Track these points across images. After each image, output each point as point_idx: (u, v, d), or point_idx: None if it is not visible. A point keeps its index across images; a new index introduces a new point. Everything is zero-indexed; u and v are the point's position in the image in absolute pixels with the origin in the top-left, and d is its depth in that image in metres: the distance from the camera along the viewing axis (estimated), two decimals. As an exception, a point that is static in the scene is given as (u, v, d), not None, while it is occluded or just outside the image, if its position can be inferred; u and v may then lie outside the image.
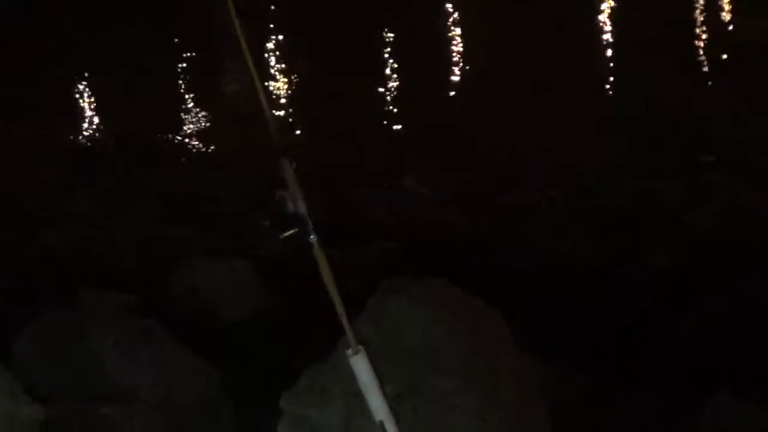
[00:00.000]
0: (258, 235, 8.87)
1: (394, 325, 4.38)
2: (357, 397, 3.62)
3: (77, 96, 16.57)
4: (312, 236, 3.54)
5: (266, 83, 12.91)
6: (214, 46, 16.23)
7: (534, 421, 4.60)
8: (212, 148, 16.25)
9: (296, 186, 3.55)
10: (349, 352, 3.48)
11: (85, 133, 16.44)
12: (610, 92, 18.43)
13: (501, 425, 4.38)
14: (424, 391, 4.24)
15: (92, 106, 16.38)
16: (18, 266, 8.71)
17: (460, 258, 8.58)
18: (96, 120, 16.61)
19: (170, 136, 16.25)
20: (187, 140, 16.41)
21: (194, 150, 15.99)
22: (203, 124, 16.76)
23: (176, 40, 17.21)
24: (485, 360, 4.48)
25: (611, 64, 18.50)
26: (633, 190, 12.16)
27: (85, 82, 16.49)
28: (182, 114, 16.68)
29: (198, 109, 16.88)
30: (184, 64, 17.13)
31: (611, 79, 18.48)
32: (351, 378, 3.51)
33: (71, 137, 16.48)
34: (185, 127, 16.57)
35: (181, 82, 17.20)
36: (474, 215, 11.07)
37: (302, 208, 3.58)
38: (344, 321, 3.49)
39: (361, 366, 3.47)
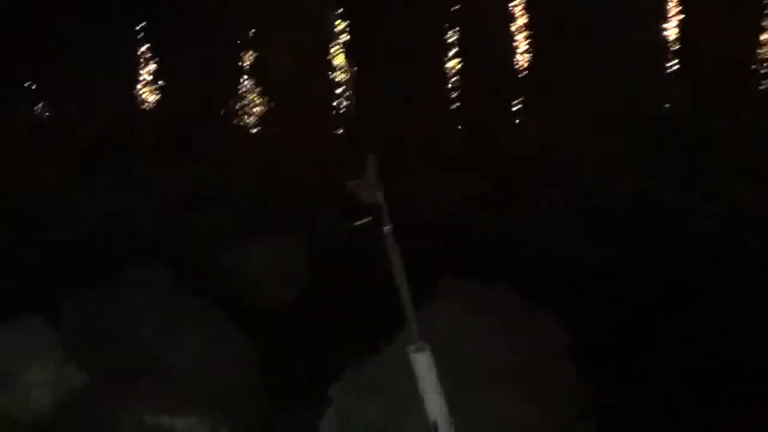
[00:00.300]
0: (310, 220, 8.57)
1: (449, 327, 4.35)
2: (407, 394, 3.58)
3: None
4: (387, 226, 3.60)
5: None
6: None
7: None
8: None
9: (375, 174, 3.57)
10: (412, 348, 3.46)
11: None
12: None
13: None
14: (476, 396, 4.21)
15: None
16: (64, 236, 8.64)
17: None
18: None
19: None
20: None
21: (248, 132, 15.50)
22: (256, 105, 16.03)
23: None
24: (539, 368, 4.47)
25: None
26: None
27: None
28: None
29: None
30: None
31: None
32: (403, 374, 3.47)
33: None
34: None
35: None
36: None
37: (380, 197, 3.62)
38: (409, 315, 3.47)
39: (422, 364, 3.44)
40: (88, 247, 8.06)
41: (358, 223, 3.62)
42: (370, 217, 3.65)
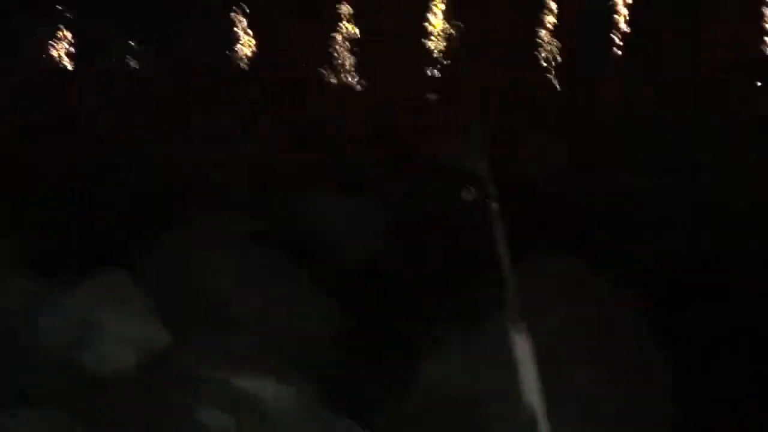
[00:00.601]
0: (394, 181, 8.34)
1: (540, 307, 4.24)
2: (501, 369, 3.49)
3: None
4: (492, 202, 3.47)
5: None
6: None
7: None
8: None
9: (482, 146, 3.44)
10: (511, 327, 3.36)
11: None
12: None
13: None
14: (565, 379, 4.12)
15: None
16: (134, 183, 8.56)
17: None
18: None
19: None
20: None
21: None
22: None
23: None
24: (618, 343, 4.35)
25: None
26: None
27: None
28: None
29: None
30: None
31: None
32: (499, 349, 3.38)
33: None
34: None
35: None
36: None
37: (484, 170, 3.48)
38: (511, 294, 3.36)
39: (521, 345, 3.36)
40: (172, 199, 7.98)
41: (463, 194, 3.43)
42: (474, 190, 3.49)
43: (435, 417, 4.43)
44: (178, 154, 8.93)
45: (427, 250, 6.85)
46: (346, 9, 10.91)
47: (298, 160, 8.77)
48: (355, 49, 10.87)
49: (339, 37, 10.91)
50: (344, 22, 11.05)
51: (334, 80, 10.96)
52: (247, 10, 11.07)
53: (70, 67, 11.30)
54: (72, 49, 11.22)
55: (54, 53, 11.22)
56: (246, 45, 11.18)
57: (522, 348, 3.39)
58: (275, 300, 5.69)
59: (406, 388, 4.67)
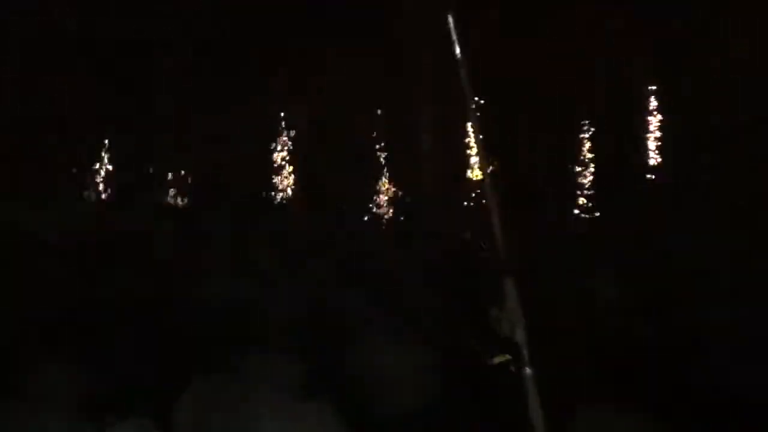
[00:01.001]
0: (445, 325, 8.18)
1: None
2: None
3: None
4: (527, 369, 3.27)
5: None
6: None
7: None
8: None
9: (518, 309, 3.27)
10: None
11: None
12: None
13: None
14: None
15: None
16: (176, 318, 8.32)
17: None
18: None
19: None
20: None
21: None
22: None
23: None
24: None
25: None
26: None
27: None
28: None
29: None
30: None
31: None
32: None
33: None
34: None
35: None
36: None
37: (520, 336, 3.31)
38: None
39: None
40: (209, 337, 7.81)
41: (495, 360, 3.25)
42: (508, 356, 3.30)
43: None
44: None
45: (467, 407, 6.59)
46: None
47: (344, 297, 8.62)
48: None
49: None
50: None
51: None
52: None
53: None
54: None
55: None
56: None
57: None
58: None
59: None
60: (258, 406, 5.50)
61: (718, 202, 12.40)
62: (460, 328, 7.31)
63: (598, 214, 16.11)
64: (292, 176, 15.04)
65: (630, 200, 15.99)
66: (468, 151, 11.78)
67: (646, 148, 17.03)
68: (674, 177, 16.19)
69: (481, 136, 3.54)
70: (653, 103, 17.58)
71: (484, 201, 3.45)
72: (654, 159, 17.14)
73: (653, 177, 17.12)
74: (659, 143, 17.04)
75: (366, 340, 7.46)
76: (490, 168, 3.56)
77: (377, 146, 15.92)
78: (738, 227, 10.55)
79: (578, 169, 16.77)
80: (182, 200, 15.15)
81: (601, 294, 8.69)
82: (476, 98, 3.38)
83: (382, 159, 15.61)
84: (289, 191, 14.23)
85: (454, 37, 3.26)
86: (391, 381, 6.94)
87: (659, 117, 17.40)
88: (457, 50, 3.25)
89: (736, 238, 10.29)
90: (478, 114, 3.47)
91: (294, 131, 15.39)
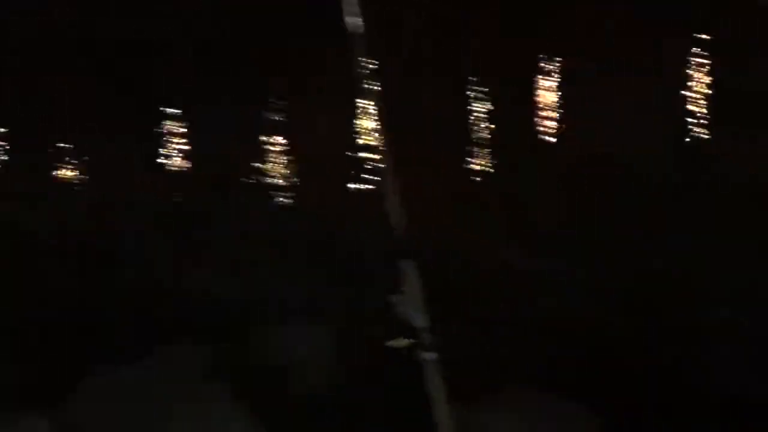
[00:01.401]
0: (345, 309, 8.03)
1: None
2: None
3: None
4: (428, 354, 3.17)
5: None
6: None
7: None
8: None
9: (418, 294, 3.16)
10: None
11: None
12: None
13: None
14: None
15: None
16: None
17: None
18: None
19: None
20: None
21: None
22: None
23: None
24: None
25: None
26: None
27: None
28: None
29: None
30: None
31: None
32: None
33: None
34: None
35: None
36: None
37: (421, 321, 3.21)
38: None
39: None
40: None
41: (391, 343, 3.16)
42: (409, 341, 3.21)
43: None
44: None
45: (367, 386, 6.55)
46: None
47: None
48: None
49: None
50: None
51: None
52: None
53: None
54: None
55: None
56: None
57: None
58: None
59: None
60: (161, 392, 5.44)
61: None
62: (359, 313, 7.25)
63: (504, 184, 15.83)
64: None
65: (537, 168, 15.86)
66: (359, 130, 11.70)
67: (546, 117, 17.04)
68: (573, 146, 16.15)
69: (376, 114, 3.45)
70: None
71: (379, 180, 3.35)
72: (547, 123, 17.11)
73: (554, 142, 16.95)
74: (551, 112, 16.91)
75: (267, 324, 7.40)
76: (387, 146, 3.46)
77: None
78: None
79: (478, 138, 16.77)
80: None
81: (520, 270, 8.54)
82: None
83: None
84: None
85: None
86: (293, 364, 6.91)
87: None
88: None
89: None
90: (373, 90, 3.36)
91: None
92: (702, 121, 9.68)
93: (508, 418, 4.54)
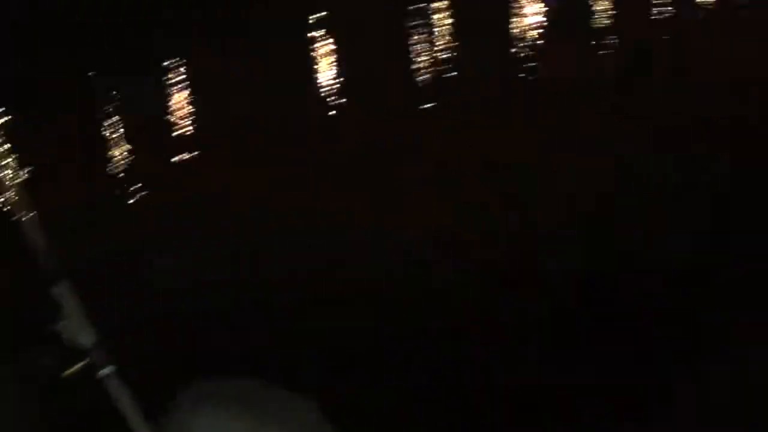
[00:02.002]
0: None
1: None
2: None
3: None
4: (106, 369, 3.08)
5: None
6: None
7: None
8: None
9: (79, 312, 3.00)
10: None
11: None
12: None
13: None
14: None
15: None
16: None
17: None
18: None
19: None
20: None
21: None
22: None
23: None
24: None
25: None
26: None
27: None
28: None
29: None
30: None
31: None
32: None
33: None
34: None
35: None
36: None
37: (88, 338, 3.06)
38: None
39: None
40: None
41: (69, 372, 3.08)
42: (84, 362, 3.13)
43: None
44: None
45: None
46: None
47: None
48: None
49: None
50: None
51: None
52: None
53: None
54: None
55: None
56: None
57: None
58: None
59: None
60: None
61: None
62: (29, 345, 6.89)
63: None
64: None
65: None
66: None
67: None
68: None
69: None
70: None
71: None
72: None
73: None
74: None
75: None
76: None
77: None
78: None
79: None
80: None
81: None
82: None
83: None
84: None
85: None
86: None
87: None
88: None
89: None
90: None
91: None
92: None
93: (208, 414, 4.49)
